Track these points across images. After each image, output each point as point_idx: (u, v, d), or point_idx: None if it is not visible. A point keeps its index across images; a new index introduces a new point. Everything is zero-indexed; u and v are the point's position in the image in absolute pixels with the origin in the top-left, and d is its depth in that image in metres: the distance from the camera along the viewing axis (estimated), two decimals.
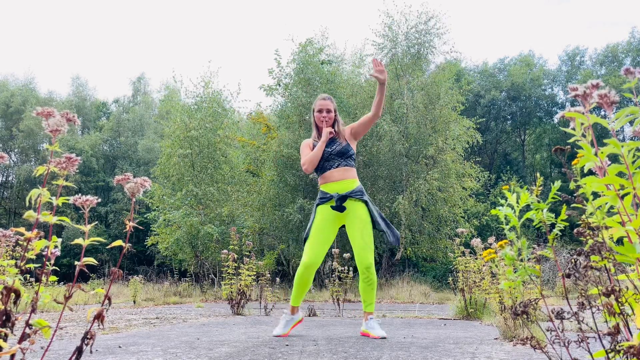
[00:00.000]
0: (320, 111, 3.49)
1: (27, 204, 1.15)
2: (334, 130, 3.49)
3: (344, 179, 3.37)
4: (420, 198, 14.51)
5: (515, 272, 1.35)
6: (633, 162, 1.05)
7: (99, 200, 1.35)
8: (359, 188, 3.39)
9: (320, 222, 3.34)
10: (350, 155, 3.44)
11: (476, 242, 4.69)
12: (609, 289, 1.10)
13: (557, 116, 28.23)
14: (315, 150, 3.42)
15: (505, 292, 3.33)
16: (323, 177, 3.44)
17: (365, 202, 3.34)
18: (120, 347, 2.58)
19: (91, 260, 1.23)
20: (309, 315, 5.62)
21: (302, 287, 3.34)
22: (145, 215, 17.23)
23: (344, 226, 3.43)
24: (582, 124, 1.12)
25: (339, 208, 3.29)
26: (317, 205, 3.42)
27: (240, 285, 5.64)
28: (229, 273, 5.66)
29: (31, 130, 28.59)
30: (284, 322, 3.33)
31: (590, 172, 1.16)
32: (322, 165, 3.44)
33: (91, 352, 1.23)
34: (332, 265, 6.22)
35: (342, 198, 3.30)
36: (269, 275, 6.41)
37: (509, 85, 28.41)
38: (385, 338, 3.08)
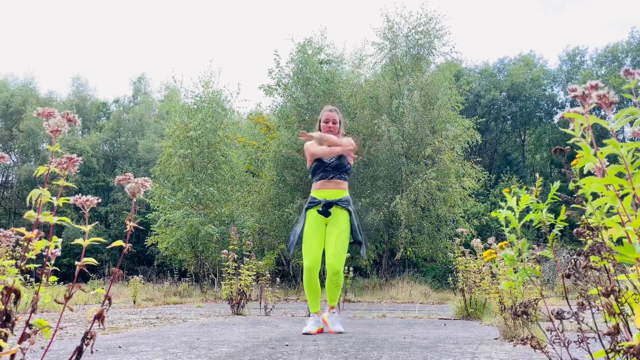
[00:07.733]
0: (326, 122, 3.77)
1: (28, 204, 1.15)
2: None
3: (335, 189, 3.65)
4: (419, 198, 14.49)
5: (515, 273, 1.36)
6: (632, 163, 1.05)
7: (100, 200, 1.35)
8: (346, 198, 3.66)
9: (310, 226, 3.61)
10: (346, 170, 3.72)
11: (476, 242, 4.69)
12: (609, 289, 1.10)
13: (557, 116, 28.23)
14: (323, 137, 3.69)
15: (505, 292, 3.34)
16: (317, 184, 3.71)
17: (349, 212, 3.61)
18: (120, 347, 2.58)
19: (91, 261, 1.23)
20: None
21: (311, 291, 3.60)
22: (145, 216, 17.22)
23: None
24: (581, 124, 1.12)
25: (325, 213, 3.58)
26: (307, 209, 3.68)
27: (240, 285, 5.64)
28: (229, 273, 5.66)
29: (31, 130, 28.57)
30: (313, 322, 3.50)
31: (590, 173, 1.16)
32: (319, 175, 3.70)
33: (91, 352, 1.23)
34: None
35: (329, 204, 3.58)
36: (269, 275, 6.41)
37: (509, 85, 28.38)
38: (342, 333, 3.42)
